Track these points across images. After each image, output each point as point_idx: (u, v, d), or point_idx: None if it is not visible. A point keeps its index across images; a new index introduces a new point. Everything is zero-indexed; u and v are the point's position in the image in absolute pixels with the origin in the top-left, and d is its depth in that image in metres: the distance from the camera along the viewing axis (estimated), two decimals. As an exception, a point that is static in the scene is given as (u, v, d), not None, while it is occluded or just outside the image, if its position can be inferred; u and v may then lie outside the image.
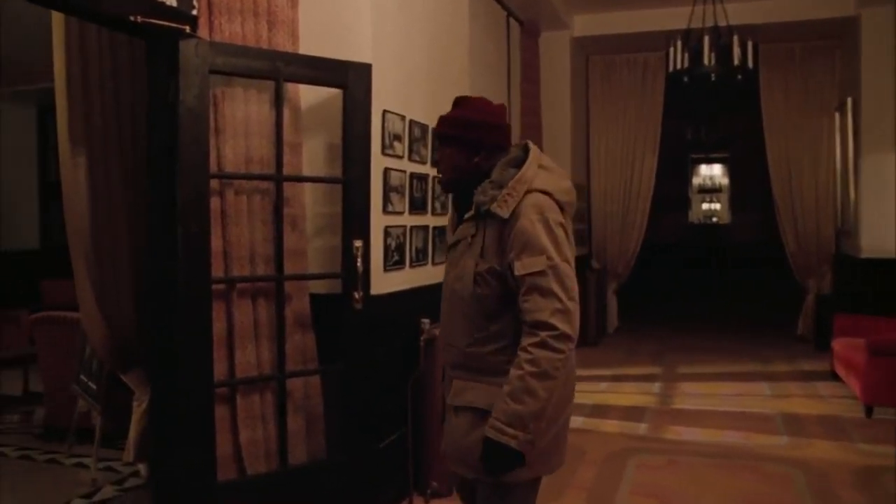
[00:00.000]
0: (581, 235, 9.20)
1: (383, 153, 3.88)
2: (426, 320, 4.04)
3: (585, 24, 8.56)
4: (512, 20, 7.65)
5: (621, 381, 7.05)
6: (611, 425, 5.52)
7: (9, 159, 9.78)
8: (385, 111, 3.88)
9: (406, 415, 4.00)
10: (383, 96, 3.82)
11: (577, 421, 5.54)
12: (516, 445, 2.02)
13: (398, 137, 4.05)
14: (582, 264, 9.08)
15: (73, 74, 3.40)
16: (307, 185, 3.71)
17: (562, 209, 2.16)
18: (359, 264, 3.52)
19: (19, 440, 5.20)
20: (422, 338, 4.02)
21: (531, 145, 2.25)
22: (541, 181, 2.14)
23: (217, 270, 3.25)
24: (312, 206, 3.76)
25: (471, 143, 2.22)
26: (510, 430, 2.02)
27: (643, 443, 5.11)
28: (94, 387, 4.36)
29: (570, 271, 2.09)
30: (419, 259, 4.28)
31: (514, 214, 2.09)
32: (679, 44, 6.27)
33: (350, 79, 3.50)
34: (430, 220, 4.43)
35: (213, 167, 3.23)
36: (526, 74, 7.98)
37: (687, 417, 5.74)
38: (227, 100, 3.32)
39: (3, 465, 4.72)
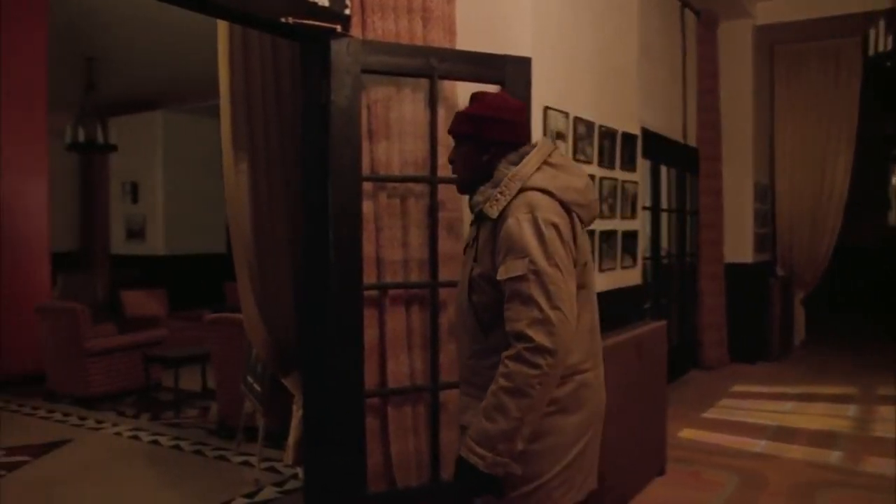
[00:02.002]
0: (764, 239, 8.52)
1: (544, 152, 3.67)
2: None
3: (769, 10, 7.90)
4: (687, 10, 7.21)
5: (809, 402, 6.39)
6: (797, 451, 4.97)
7: (202, 169, 10.48)
8: (546, 108, 3.69)
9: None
10: (545, 92, 3.62)
11: (758, 445, 5.05)
12: (483, 467, 1.83)
13: (561, 135, 3.83)
14: (766, 271, 8.40)
15: (236, 82, 3.45)
16: (464, 188, 3.55)
17: (568, 211, 1.94)
18: (515, 271, 3.32)
19: (195, 434, 5.45)
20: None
21: (541, 140, 2.07)
22: (540, 178, 1.95)
23: (369, 276, 3.17)
24: (474, 209, 3.61)
25: (483, 141, 2.06)
26: (479, 450, 1.84)
27: (835, 474, 4.55)
28: (258, 388, 4.45)
29: (558, 277, 1.84)
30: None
31: (504, 214, 1.92)
32: (881, 24, 5.59)
33: (508, 74, 3.32)
34: (594, 224, 4.14)
35: (366, 169, 3.16)
36: (703, 68, 7.50)
37: (888, 447, 5.06)
38: (381, 99, 3.23)
39: (178, 458, 4.94)
